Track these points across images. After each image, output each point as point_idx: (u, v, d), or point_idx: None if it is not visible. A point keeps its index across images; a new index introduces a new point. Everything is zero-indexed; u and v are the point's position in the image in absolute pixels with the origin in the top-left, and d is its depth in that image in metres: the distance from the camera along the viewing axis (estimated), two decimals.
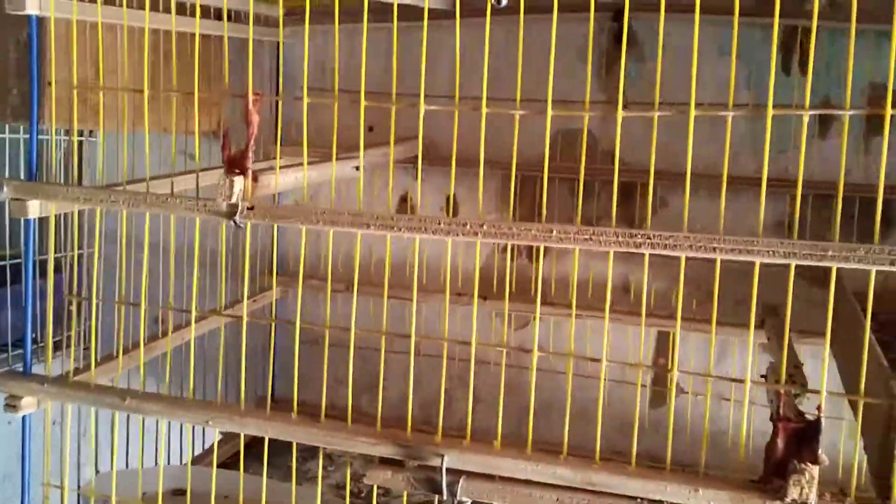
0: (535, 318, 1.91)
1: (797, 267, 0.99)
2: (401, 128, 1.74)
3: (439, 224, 1.06)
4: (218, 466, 1.71)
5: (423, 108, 1.09)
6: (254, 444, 1.81)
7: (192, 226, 1.26)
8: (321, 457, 1.28)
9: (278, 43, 1.97)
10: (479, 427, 1.94)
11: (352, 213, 1.10)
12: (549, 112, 1.02)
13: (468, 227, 1.05)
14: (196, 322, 1.58)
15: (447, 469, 1.07)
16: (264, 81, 1.94)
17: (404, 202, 1.96)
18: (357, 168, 1.44)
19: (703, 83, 1.67)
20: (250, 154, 1.15)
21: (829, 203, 1.67)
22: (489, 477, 1.08)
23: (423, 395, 1.99)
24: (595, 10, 1.75)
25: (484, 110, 1.05)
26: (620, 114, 1.00)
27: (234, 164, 1.16)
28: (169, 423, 1.26)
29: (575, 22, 1.78)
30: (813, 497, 0.94)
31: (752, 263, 0.99)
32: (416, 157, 1.85)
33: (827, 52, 1.63)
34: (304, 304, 1.99)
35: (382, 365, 1.18)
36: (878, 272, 0.95)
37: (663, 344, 1.85)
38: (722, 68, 1.70)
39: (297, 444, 1.17)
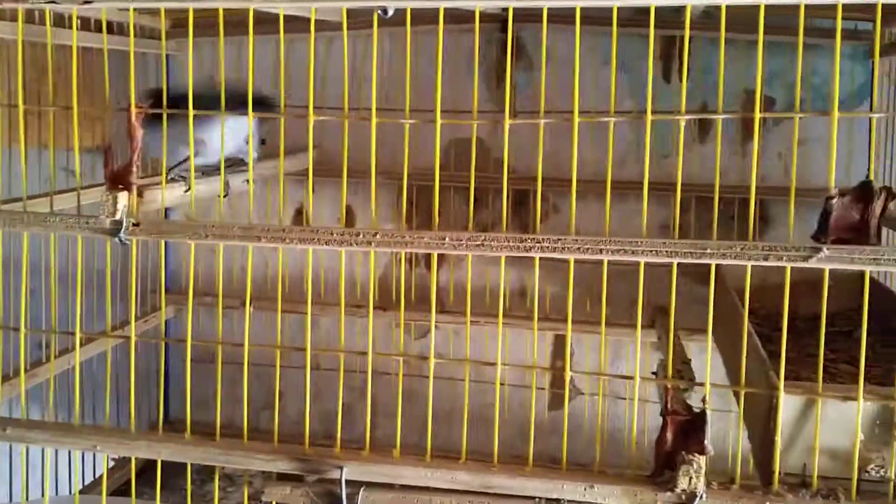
0: (432, 327, 1.92)
1: (683, 266, 1.03)
2: (293, 140, 1.73)
3: (332, 234, 1.06)
4: (110, 494, 1.65)
5: (312, 118, 1.09)
6: (147, 468, 1.76)
7: (76, 245, 1.22)
8: (217, 478, 1.25)
9: (164, 55, 1.93)
10: (381, 439, 1.94)
11: (242, 227, 1.08)
12: (438, 121, 1.03)
13: (361, 236, 1.05)
14: (82, 345, 1.52)
15: (347, 481, 1.07)
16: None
17: (300, 215, 1.94)
18: (247, 181, 1.42)
19: (587, 91, 1.72)
20: (134, 169, 1.12)
21: (709, 205, 1.75)
22: (389, 486, 1.08)
23: (324, 409, 1.97)
24: (482, 22, 1.79)
25: (374, 120, 1.05)
26: (508, 121, 1.01)
27: (118, 180, 1.12)
28: (56, 452, 1.21)
29: (463, 33, 1.81)
30: (701, 486, 0.97)
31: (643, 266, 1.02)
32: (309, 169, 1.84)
33: (704, 61, 1.70)
34: (199, 322, 1.96)
35: (278, 380, 1.17)
36: (757, 269, 0.99)
37: (560, 347, 1.88)
38: (604, 77, 1.75)
39: (194, 465, 1.14)
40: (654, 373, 1.38)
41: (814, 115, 1.03)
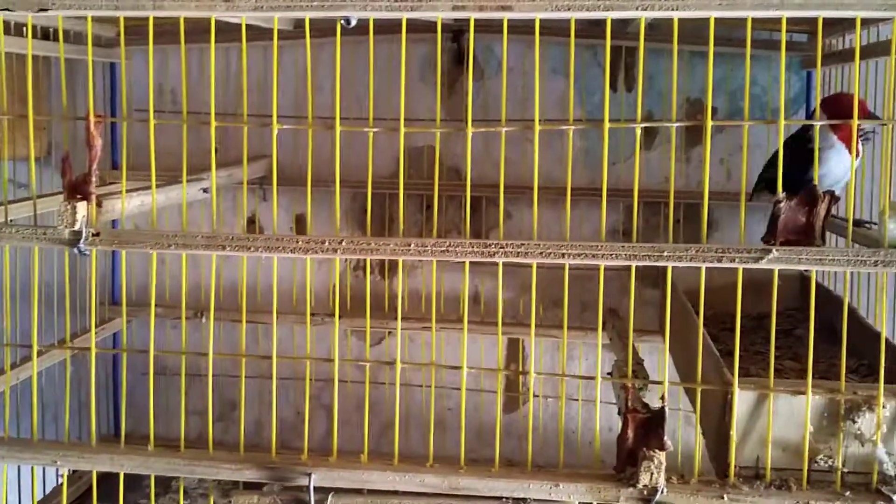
0: (388, 333, 1.93)
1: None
2: (241, 150, 1.73)
3: (297, 242, 1.07)
4: None
5: (276, 127, 1.09)
6: (103, 481, 1.72)
7: (26, 257, 1.19)
8: (181, 488, 1.24)
9: (111, 64, 1.90)
10: (339, 446, 1.94)
11: (206, 235, 1.08)
12: (402, 129, 1.05)
13: (327, 244, 1.06)
14: (39, 356, 1.49)
15: (314, 487, 1.08)
16: (97, 103, 1.86)
17: (252, 224, 1.93)
18: (206, 190, 1.42)
19: (539, 101, 1.76)
20: (94, 178, 1.11)
21: (656, 209, 1.80)
22: (357, 492, 1.10)
23: (281, 419, 1.97)
24: (433, 31, 1.81)
25: (338, 129, 1.06)
26: (470, 129, 1.04)
27: (76, 190, 1.11)
28: (6, 467, 1.19)
29: (414, 43, 1.83)
30: (662, 481, 1.01)
31: (594, 270, 1.05)
32: (263, 178, 1.84)
33: (649, 70, 1.76)
34: (148, 335, 1.93)
35: (243, 389, 1.17)
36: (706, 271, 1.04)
37: (513, 351, 1.92)
38: (553, 86, 1.79)
39: (146, 479, 1.13)
40: (609, 373, 1.41)
41: (762, 123, 1.07)
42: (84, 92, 1.86)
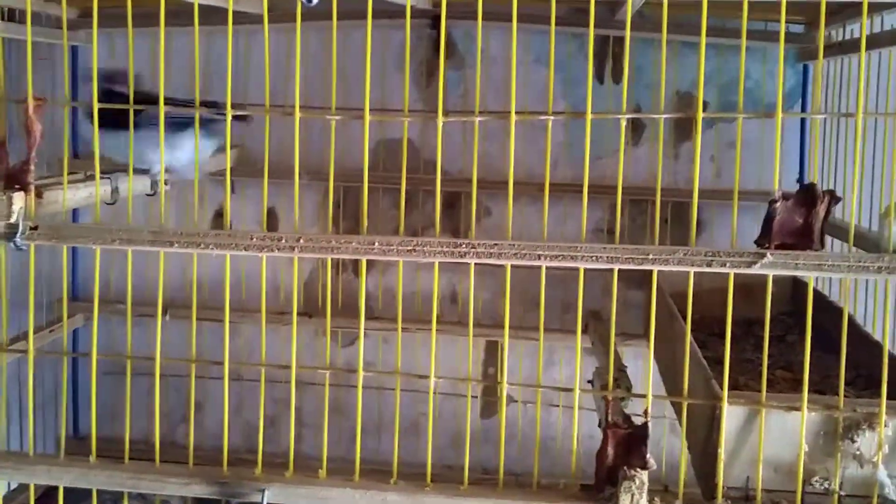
0: (360, 336, 1.84)
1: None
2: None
3: (252, 239, 0.98)
4: None
5: (229, 114, 1.01)
6: (51, 492, 1.64)
7: None
8: (126, 501, 1.16)
9: (74, 47, 1.81)
10: (308, 451, 1.86)
11: (152, 231, 1.00)
12: (367, 117, 0.96)
13: (284, 241, 0.98)
14: None
15: None
16: (57, 88, 1.77)
17: (219, 217, 1.84)
18: (166, 182, 1.33)
19: (519, 90, 1.68)
20: (32, 167, 1.02)
21: (642, 208, 1.73)
22: None
23: (246, 421, 1.88)
24: (412, 18, 1.73)
25: (297, 115, 0.98)
26: (441, 119, 0.96)
27: (14, 179, 1.02)
28: None
29: (391, 29, 1.75)
30: (643, 502, 0.93)
31: (575, 270, 0.97)
32: (231, 169, 1.75)
33: (637, 62, 1.68)
34: (112, 332, 1.84)
35: (193, 396, 1.08)
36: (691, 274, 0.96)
37: (492, 354, 1.84)
38: (536, 75, 1.71)
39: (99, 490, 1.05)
40: (589, 381, 1.34)
41: (757, 117, 0.99)
42: (50, 76, 1.77)
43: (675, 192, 1.68)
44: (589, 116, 0.95)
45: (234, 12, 1.38)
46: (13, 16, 1.55)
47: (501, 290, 1.84)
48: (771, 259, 0.90)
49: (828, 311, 1.32)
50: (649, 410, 0.95)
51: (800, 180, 1.62)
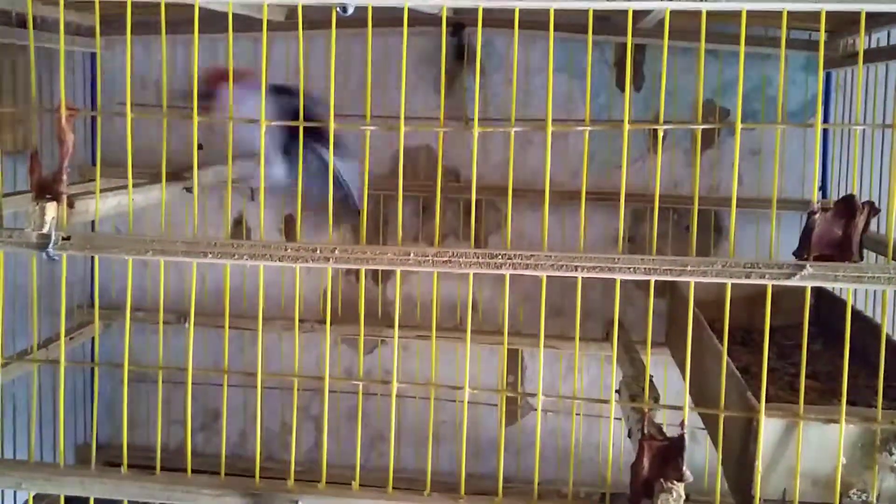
0: (381, 342, 1.84)
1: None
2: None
3: (286, 250, 0.98)
4: None
5: (263, 124, 1.00)
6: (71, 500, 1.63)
7: None
8: None
9: (92, 54, 1.81)
10: (327, 461, 1.85)
11: (186, 241, 0.99)
12: (402, 128, 0.96)
13: (319, 252, 0.97)
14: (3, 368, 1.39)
15: None
16: (77, 96, 1.76)
17: (238, 225, 1.84)
18: (189, 189, 1.33)
19: (541, 99, 1.68)
20: (64, 177, 1.02)
21: (664, 216, 1.72)
22: None
23: (265, 430, 1.88)
24: (434, 25, 1.73)
25: (332, 126, 0.97)
26: (476, 129, 0.95)
27: (46, 189, 1.02)
28: None
29: (412, 37, 1.74)
30: None
31: (596, 280, 0.97)
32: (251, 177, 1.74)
33: (658, 70, 1.68)
34: (129, 340, 1.83)
35: (225, 405, 1.08)
36: (712, 283, 0.96)
37: (513, 361, 1.83)
38: (558, 85, 1.71)
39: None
40: (616, 391, 1.33)
41: (795, 126, 0.99)
42: (69, 85, 1.77)
43: (699, 201, 1.68)
44: (626, 126, 0.95)
45: (256, 20, 1.38)
46: (24, 22, 1.55)
47: (522, 297, 1.84)
48: (811, 271, 0.89)
49: (854, 320, 1.32)
50: (686, 422, 0.95)
51: (822, 188, 1.62)
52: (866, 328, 1.26)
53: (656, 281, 1.67)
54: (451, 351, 1.76)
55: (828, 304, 1.50)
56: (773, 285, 1.42)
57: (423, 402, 1.71)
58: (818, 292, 1.51)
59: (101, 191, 1.09)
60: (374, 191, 1.70)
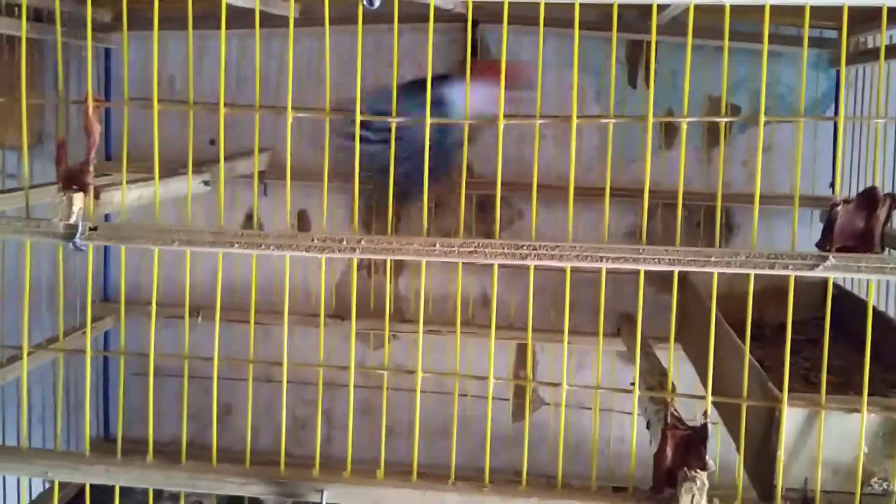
0: (393, 336, 1.85)
1: (649, 274, 1.00)
2: (240, 142, 1.64)
3: (313, 241, 0.99)
4: None
5: (290, 113, 1.01)
6: (80, 494, 1.63)
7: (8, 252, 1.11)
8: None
9: (107, 49, 1.81)
10: (337, 455, 1.86)
11: (212, 231, 1.00)
12: (428, 120, 0.97)
13: (345, 243, 0.98)
14: (20, 359, 1.40)
15: None
16: (83, 89, 1.77)
17: (249, 220, 1.85)
18: (206, 183, 1.34)
19: (549, 94, 1.68)
20: (91, 168, 1.03)
21: (675, 213, 1.73)
22: None
23: (276, 423, 1.88)
24: (446, 21, 1.74)
25: (357, 118, 0.98)
26: (502, 120, 0.96)
27: (73, 180, 1.02)
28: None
29: (424, 33, 1.75)
30: (703, 503, 0.94)
31: (609, 275, 0.99)
32: (263, 172, 1.75)
33: (670, 66, 1.69)
34: (140, 334, 1.84)
35: (251, 394, 1.09)
36: (725, 277, 0.98)
37: (522, 356, 1.84)
38: (568, 80, 1.72)
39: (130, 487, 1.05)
40: (631, 383, 1.34)
41: (816, 119, 1.00)
42: (77, 78, 1.77)
43: (707, 197, 1.69)
44: (650, 119, 0.96)
45: (272, 16, 1.39)
46: (41, 16, 1.55)
47: (534, 292, 1.84)
48: (833, 262, 0.91)
49: (865, 314, 1.33)
50: (709, 412, 0.96)
51: (832, 185, 1.64)
52: (879, 322, 1.27)
53: (666, 277, 1.68)
54: (462, 346, 1.77)
55: (838, 298, 1.51)
56: (787, 280, 1.44)
57: (434, 396, 1.71)
58: (826, 287, 1.53)
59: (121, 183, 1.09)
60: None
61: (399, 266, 1.82)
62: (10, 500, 1.55)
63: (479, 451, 1.78)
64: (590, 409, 1.76)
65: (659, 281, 1.71)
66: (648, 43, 1.71)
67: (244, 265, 1.82)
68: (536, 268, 0.99)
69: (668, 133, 1.73)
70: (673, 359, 1.61)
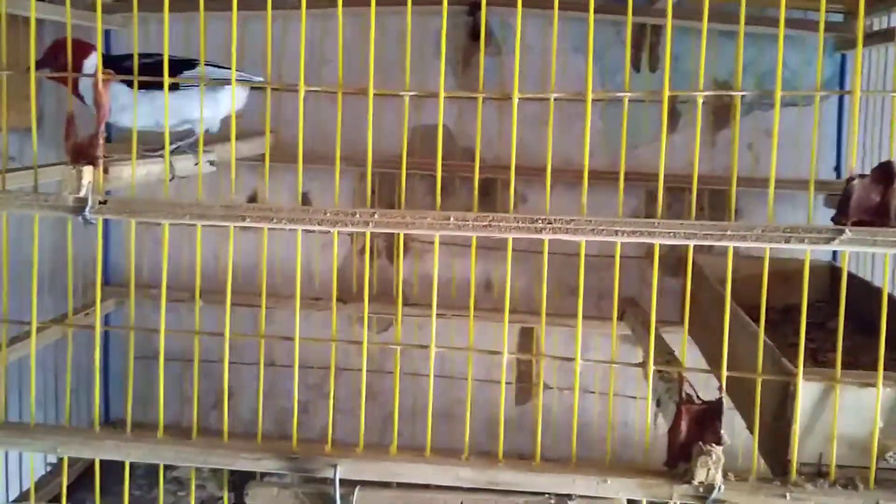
0: (396, 320, 1.84)
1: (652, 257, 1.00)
2: (240, 124, 1.62)
3: (325, 214, 0.98)
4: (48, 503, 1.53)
5: (302, 89, 1.01)
6: (87, 473, 1.62)
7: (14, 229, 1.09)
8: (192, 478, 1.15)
9: (107, 31, 1.80)
10: (341, 438, 1.85)
11: (224, 206, 0.99)
12: (407, 95, 0.97)
13: (358, 216, 0.97)
14: (20, 339, 1.39)
15: (339, 480, 0.99)
16: None
17: (252, 202, 1.84)
18: (212, 163, 1.33)
19: (558, 78, 1.68)
20: (100, 141, 1.02)
21: (679, 196, 1.73)
22: (385, 485, 1.01)
23: (278, 407, 1.88)
24: (450, 4, 1.73)
25: (340, 92, 0.98)
26: (481, 95, 0.96)
27: (82, 154, 1.02)
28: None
29: (429, 16, 1.75)
30: (719, 477, 0.94)
31: (611, 258, 0.99)
32: (265, 153, 1.74)
33: (675, 50, 1.69)
34: (143, 317, 1.84)
35: (262, 374, 1.08)
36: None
37: (526, 340, 1.84)
38: (573, 63, 1.72)
39: (137, 470, 1.04)
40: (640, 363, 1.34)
41: (838, 94, 1.00)
42: None
43: (712, 180, 1.69)
44: (666, 94, 0.95)
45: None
46: None
47: (536, 277, 1.85)
48: (850, 235, 0.90)
49: (869, 296, 1.33)
50: (724, 385, 0.96)
51: (837, 168, 1.64)
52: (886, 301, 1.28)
53: (670, 261, 1.69)
54: (465, 330, 1.77)
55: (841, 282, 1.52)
56: (790, 264, 1.44)
57: (437, 380, 1.70)
58: (832, 270, 1.53)
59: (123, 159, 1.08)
60: (390, 169, 1.70)
61: (405, 250, 1.81)
62: (12, 485, 1.54)
63: (482, 435, 1.78)
64: (594, 392, 1.76)
65: (664, 265, 1.71)
66: (653, 27, 1.71)
67: (245, 248, 1.82)
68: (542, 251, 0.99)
69: (672, 117, 1.73)
70: (676, 344, 1.63)
